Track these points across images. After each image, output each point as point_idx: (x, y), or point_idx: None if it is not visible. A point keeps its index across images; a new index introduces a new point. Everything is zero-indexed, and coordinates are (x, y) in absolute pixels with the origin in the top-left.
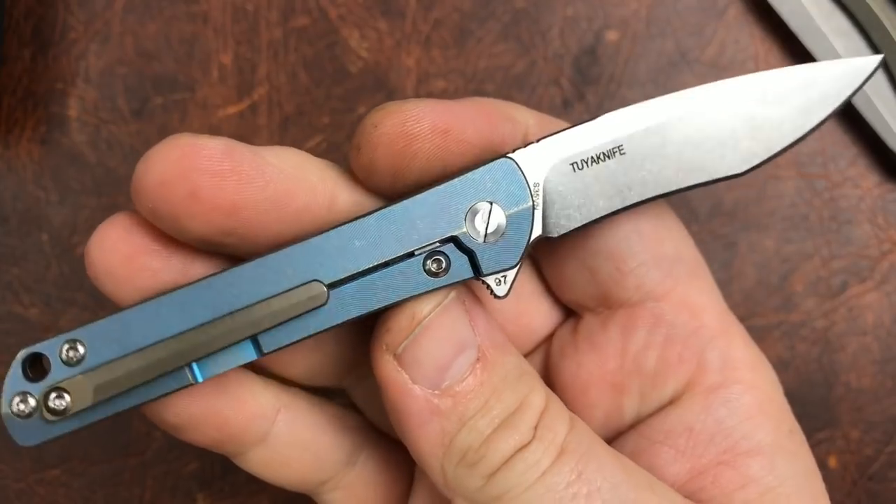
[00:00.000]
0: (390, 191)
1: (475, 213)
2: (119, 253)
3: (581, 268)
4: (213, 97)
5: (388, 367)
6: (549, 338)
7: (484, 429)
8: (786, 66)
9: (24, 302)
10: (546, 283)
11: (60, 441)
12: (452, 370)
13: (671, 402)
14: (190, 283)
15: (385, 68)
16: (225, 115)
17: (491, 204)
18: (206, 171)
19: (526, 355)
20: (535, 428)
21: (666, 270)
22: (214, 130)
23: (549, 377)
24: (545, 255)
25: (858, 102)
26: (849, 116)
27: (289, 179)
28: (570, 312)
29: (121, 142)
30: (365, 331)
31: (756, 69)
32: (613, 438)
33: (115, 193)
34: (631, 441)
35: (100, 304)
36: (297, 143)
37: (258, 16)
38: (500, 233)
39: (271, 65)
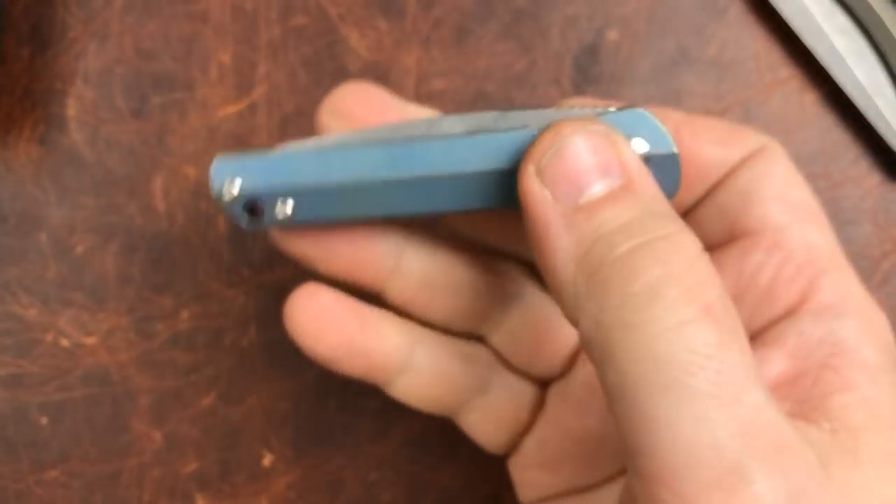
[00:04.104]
0: None
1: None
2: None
3: (713, 207)
4: (213, 96)
5: (530, 181)
6: None
7: (622, 242)
8: (786, 66)
9: (22, 302)
10: None
11: (59, 441)
12: (593, 189)
13: (781, 317)
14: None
15: (385, 67)
16: (224, 114)
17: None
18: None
19: None
20: (685, 272)
21: (789, 209)
22: (213, 130)
23: None
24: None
25: (860, 102)
26: (850, 116)
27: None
28: None
29: (119, 141)
30: (503, 276)
31: (757, 68)
32: None
33: (114, 193)
34: None
35: (99, 305)
36: None
37: (257, 15)
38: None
39: (271, 64)
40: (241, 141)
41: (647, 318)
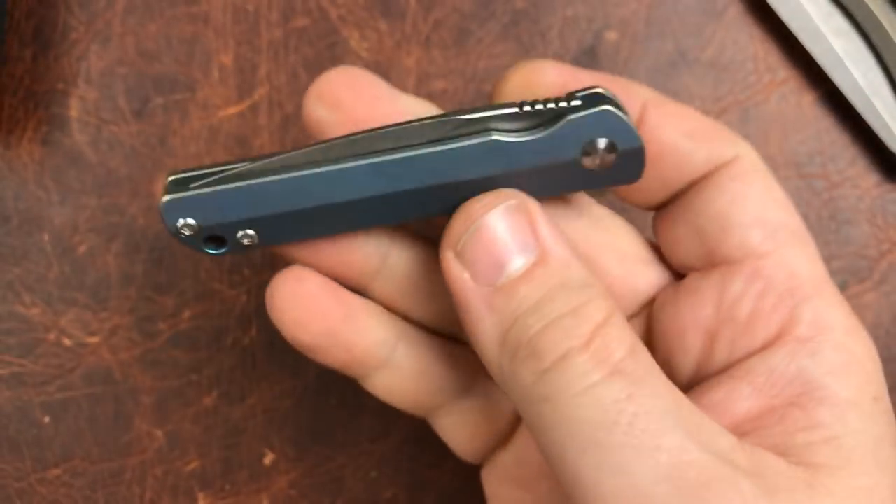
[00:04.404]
0: None
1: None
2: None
3: (689, 229)
4: (214, 97)
5: (450, 265)
6: (654, 299)
7: (534, 324)
8: (784, 67)
9: (25, 301)
10: (653, 251)
11: (61, 440)
12: (509, 269)
13: (759, 350)
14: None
15: (385, 68)
16: (226, 115)
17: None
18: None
19: (631, 317)
20: (590, 340)
21: (768, 234)
22: (215, 130)
23: (650, 326)
24: (658, 220)
25: (858, 103)
26: (848, 117)
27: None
28: (676, 278)
29: (122, 142)
30: None
31: (755, 69)
32: (702, 381)
33: (116, 193)
34: (715, 378)
35: (101, 305)
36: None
37: (259, 16)
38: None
39: (272, 65)
40: (243, 141)
41: (560, 388)
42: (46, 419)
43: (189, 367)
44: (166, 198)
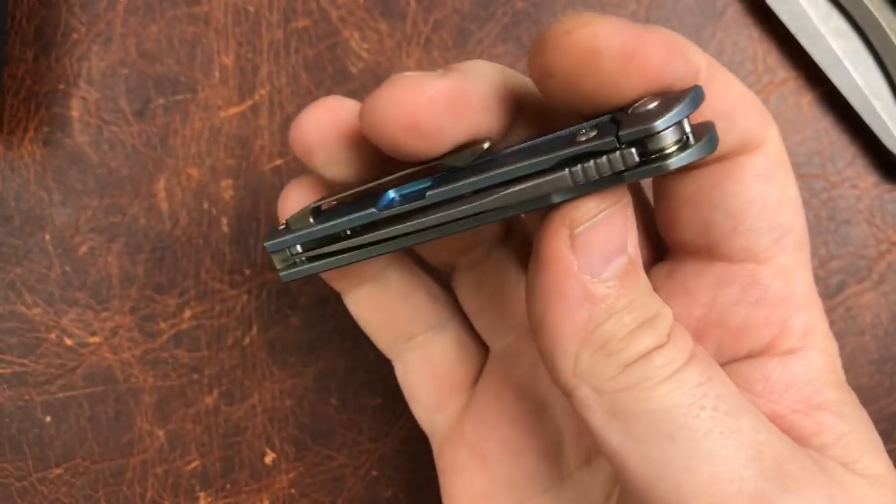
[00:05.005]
0: (557, 99)
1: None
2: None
3: (696, 216)
4: (215, 98)
5: (561, 244)
6: None
7: (629, 323)
8: (784, 68)
9: (26, 301)
10: (643, 220)
11: (63, 440)
12: (611, 266)
13: (747, 357)
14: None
15: (386, 69)
16: (226, 115)
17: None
18: (428, 112)
19: None
20: (669, 334)
21: (776, 239)
22: (216, 131)
23: None
24: (661, 184)
25: (857, 104)
26: (847, 117)
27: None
28: (662, 251)
29: (123, 142)
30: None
31: (755, 70)
32: None
33: (118, 194)
34: None
35: (102, 305)
36: None
37: (259, 17)
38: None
39: (272, 66)
40: (244, 142)
41: (646, 376)
42: (48, 419)
43: (190, 366)
44: (283, 275)
